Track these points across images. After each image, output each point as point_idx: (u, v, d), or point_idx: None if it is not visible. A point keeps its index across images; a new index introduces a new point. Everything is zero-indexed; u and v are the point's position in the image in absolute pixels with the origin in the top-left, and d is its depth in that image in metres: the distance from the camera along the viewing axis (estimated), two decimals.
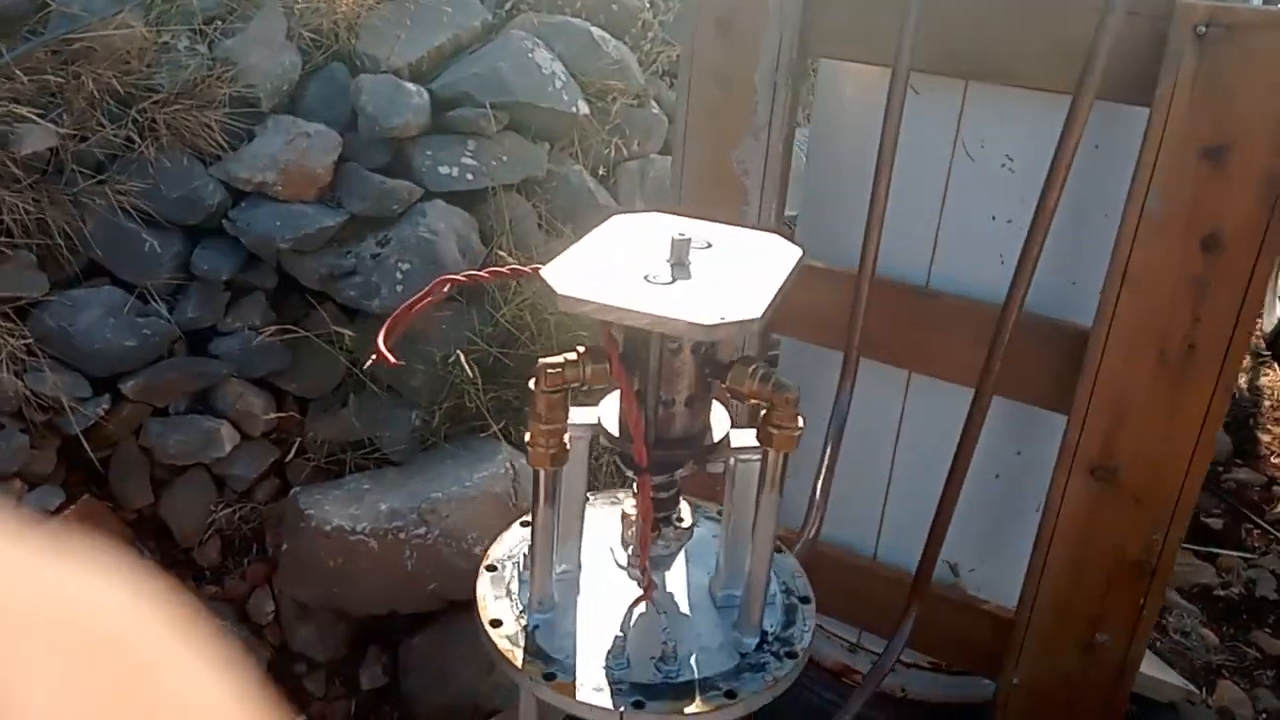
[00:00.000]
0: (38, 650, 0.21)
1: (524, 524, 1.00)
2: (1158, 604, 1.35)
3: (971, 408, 1.28)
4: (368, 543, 2.38)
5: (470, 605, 2.44)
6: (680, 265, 0.76)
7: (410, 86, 2.69)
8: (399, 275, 2.56)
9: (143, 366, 2.45)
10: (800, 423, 0.79)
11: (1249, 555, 3.42)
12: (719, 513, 0.98)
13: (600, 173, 2.97)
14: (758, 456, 0.84)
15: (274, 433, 2.64)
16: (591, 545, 0.93)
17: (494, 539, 0.97)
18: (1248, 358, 4.73)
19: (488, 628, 0.86)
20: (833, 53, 1.43)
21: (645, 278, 0.74)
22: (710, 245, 0.81)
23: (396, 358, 0.82)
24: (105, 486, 2.46)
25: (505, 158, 2.75)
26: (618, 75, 3.03)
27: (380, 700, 2.47)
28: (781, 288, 0.75)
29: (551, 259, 2.26)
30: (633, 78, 3.10)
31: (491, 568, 0.93)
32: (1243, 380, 4.59)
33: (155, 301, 2.48)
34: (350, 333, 2.50)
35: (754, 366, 0.79)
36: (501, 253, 2.54)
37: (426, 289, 0.84)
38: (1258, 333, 4.85)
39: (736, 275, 0.76)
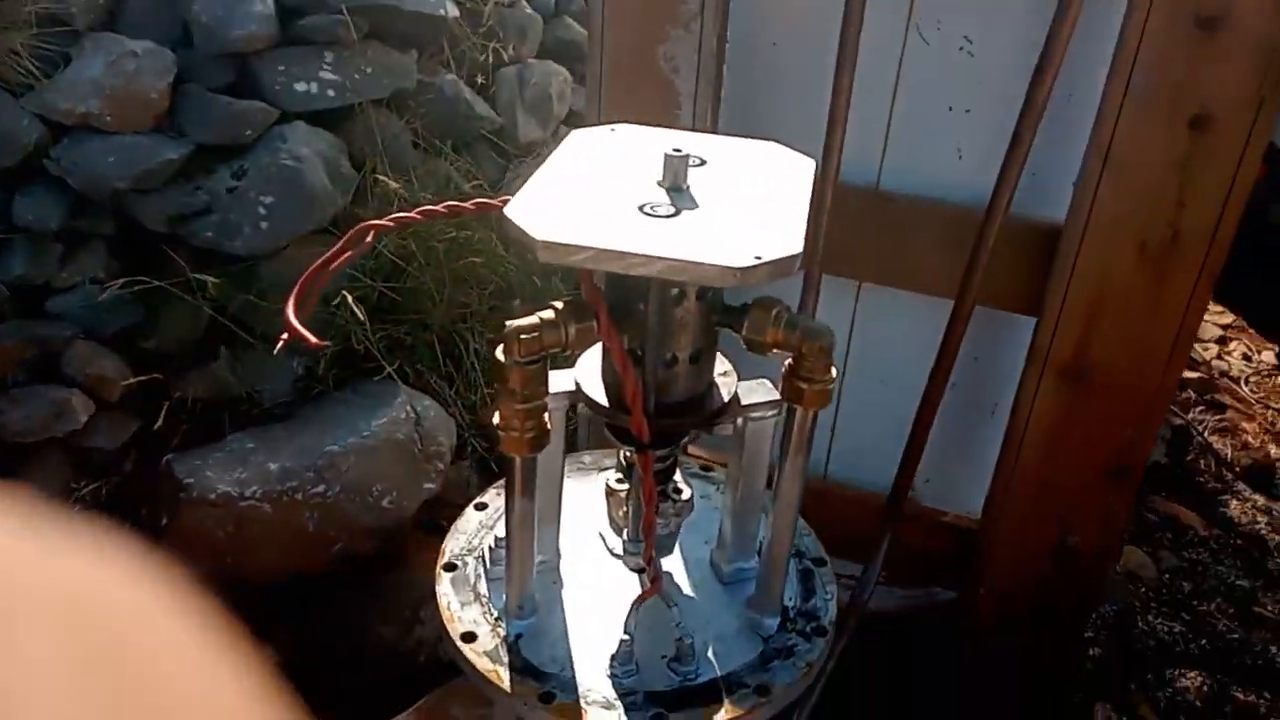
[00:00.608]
0: (36, 638, 0.20)
1: (478, 507, 0.83)
2: (1131, 503, 1.30)
3: (951, 320, 1.18)
4: (260, 507, 2.16)
5: (383, 563, 2.23)
6: (679, 190, 0.60)
7: None
8: (262, 210, 2.28)
9: None
10: (834, 373, 0.65)
11: None
12: (702, 468, 0.84)
13: (477, 81, 2.71)
14: (773, 413, 0.70)
15: (135, 397, 2.36)
16: (572, 528, 0.78)
17: (448, 532, 0.81)
18: None
19: (460, 644, 0.71)
20: None
21: (642, 209, 0.58)
22: (704, 162, 0.65)
23: (318, 337, 0.64)
24: None
25: (369, 69, 2.46)
26: None
27: (294, 671, 2.29)
28: (810, 211, 0.60)
29: (434, 179, 1.98)
30: None
31: (451, 566, 0.77)
32: None
33: None
34: (212, 278, 2.22)
35: (776, 309, 0.64)
36: (380, 176, 2.29)
37: (344, 241, 0.65)
38: None
39: (750, 199, 0.61)
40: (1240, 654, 2.73)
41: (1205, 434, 3.51)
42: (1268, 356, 4.02)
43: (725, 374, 0.70)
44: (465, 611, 0.73)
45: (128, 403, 2.33)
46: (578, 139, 0.68)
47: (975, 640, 1.47)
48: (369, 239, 0.66)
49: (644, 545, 0.67)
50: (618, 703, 0.67)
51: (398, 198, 2.42)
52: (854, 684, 1.81)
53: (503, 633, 0.72)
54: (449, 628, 0.72)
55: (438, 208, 0.67)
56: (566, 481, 0.84)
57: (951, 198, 1.25)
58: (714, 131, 1.29)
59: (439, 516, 2.50)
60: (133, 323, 2.29)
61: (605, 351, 0.65)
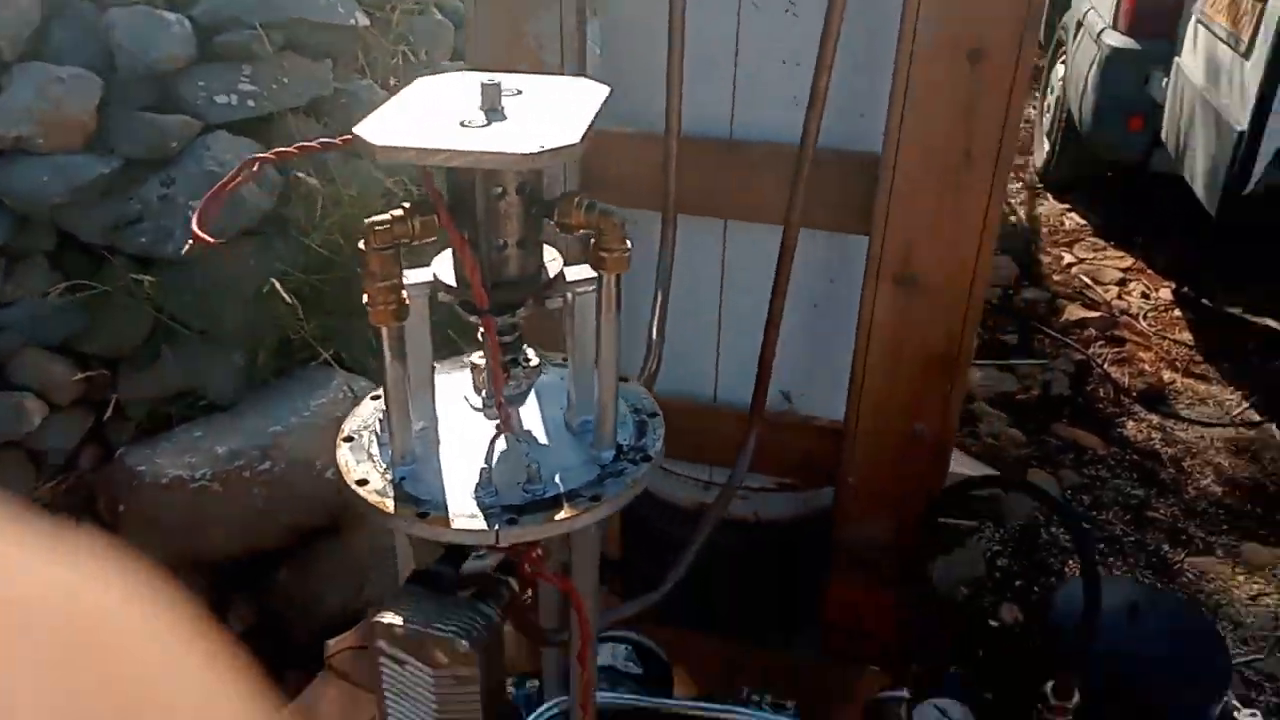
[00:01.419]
0: (16, 641, 0.21)
1: (374, 398, 1.01)
2: (962, 391, 1.51)
3: (782, 243, 1.37)
4: (211, 487, 2.31)
5: (331, 533, 2.38)
6: (494, 110, 0.78)
7: (168, 15, 2.51)
8: (190, 215, 2.43)
9: None
10: (629, 245, 0.84)
11: (1043, 361, 3.81)
12: (565, 360, 1.03)
13: (392, 84, 2.88)
14: (593, 287, 0.88)
15: (85, 398, 2.49)
16: (446, 403, 0.97)
17: (347, 415, 0.99)
18: (1024, 191, 5.17)
19: (355, 488, 0.89)
20: None
21: (461, 123, 0.76)
22: (521, 92, 0.84)
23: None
24: None
25: (286, 79, 2.62)
26: None
27: (253, 641, 2.44)
28: (595, 117, 0.79)
29: (356, 178, 2.19)
30: None
31: (349, 439, 0.95)
32: (1022, 211, 5.02)
33: None
34: (149, 279, 2.37)
35: (578, 198, 0.83)
36: (302, 177, 2.45)
37: (235, 170, 0.83)
38: (1033, 168, 5.29)
39: (550, 113, 0.79)
40: (1135, 552, 2.98)
41: (1104, 365, 3.78)
42: (1165, 293, 4.31)
43: (553, 260, 0.89)
44: (360, 466, 0.91)
45: (79, 404, 2.47)
46: (424, 81, 0.87)
47: (848, 529, 1.67)
48: (255, 169, 0.83)
49: (494, 392, 0.86)
50: (479, 513, 0.85)
51: (320, 196, 2.59)
52: (748, 589, 2.01)
53: (390, 477, 0.90)
54: (346, 478, 0.90)
55: (312, 143, 0.85)
56: (450, 376, 1.03)
57: (791, 139, 1.44)
58: None
59: None
60: (78, 329, 2.43)
61: (451, 247, 0.84)
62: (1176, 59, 3.60)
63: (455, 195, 0.82)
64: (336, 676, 1.66)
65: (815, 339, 1.68)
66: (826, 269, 1.62)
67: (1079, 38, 4.30)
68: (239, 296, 2.49)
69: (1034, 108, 5.63)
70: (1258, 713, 1.44)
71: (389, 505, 0.85)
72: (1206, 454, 3.36)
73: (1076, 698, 1.14)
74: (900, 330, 1.49)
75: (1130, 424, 3.50)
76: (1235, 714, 1.42)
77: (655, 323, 1.34)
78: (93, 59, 2.50)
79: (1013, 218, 4.86)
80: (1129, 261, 4.46)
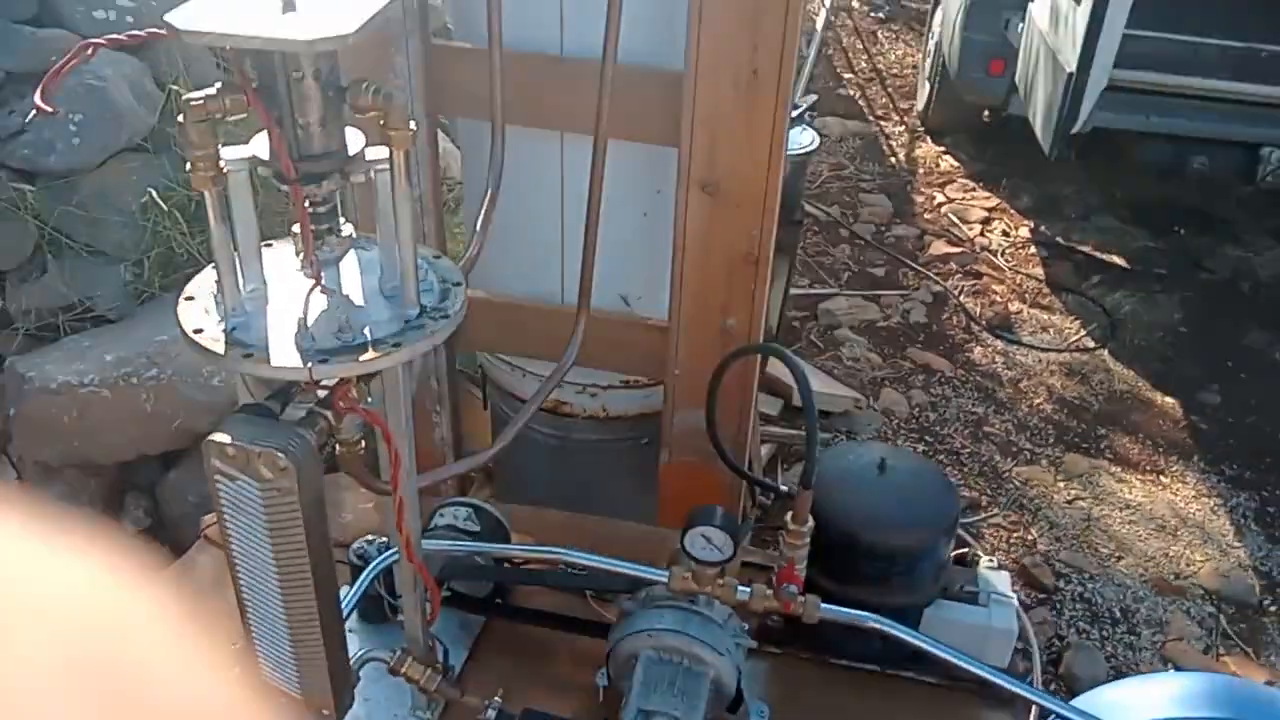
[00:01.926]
0: (34, 642, 0.21)
1: (213, 267, 1.18)
2: (764, 288, 1.73)
3: (593, 152, 1.56)
4: (100, 393, 2.42)
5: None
6: (289, 5, 0.95)
7: None
8: (73, 128, 2.51)
9: None
10: (412, 125, 1.02)
11: (905, 292, 4.10)
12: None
13: None
14: (386, 166, 1.06)
15: None
16: (278, 271, 1.14)
17: (188, 280, 1.15)
18: (906, 134, 5.45)
19: (191, 335, 1.06)
20: None
21: (258, 13, 0.92)
22: None
23: (53, 110, 0.96)
24: None
25: None
26: None
27: (148, 539, 2.58)
28: (376, 13, 0.96)
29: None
30: None
31: (190, 298, 1.12)
32: (902, 154, 5.29)
33: None
34: (31, 189, 2.45)
35: (366, 84, 1.00)
36: (177, 87, 2.54)
37: (72, 52, 0.97)
38: (915, 112, 5.56)
39: (338, 7, 0.96)
40: (971, 462, 3.29)
41: (960, 296, 4.08)
42: (1024, 232, 4.63)
43: (355, 138, 1.06)
44: (196, 319, 1.08)
45: None
46: None
47: (675, 415, 1.89)
48: (90, 53, 0.98)
49: (304, 251, 1.03)
50: (297, 354, 1.03)
51: None
52: (600, 475, 2.24)
53: (222, 326, 1.07)
54: (184, 327, 1.07)
55: (140, 33, 1.00)
56: (284, 250, 1.19)
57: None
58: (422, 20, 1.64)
59: None
60: None
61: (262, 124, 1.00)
62: (1030, 5, 3.86)
63: (262, 79, 0.99)
64: (210, 544, 1.83)
65: (648, 246, 1.87)
66: (655, 181, 1.81)
67: None
68: (124, 211, 2.59)
69: (920, 52, 5.89)
70: (994, 560, 1.71)
71: (219, 348, 1.03)
72: (1042, 376, 3.69)
73: (810, 523, 1.38)
74: (708, 233, 1.69)
75: (977, 349, 3.81)
76: (977, 561, 1.69)
77: (481, 217, 1.52)
78: None
79: (892, 159, 5.13)
80: (994, 202, 4.77)
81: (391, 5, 0.99)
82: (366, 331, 1.08)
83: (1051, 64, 3.46)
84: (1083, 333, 3.94)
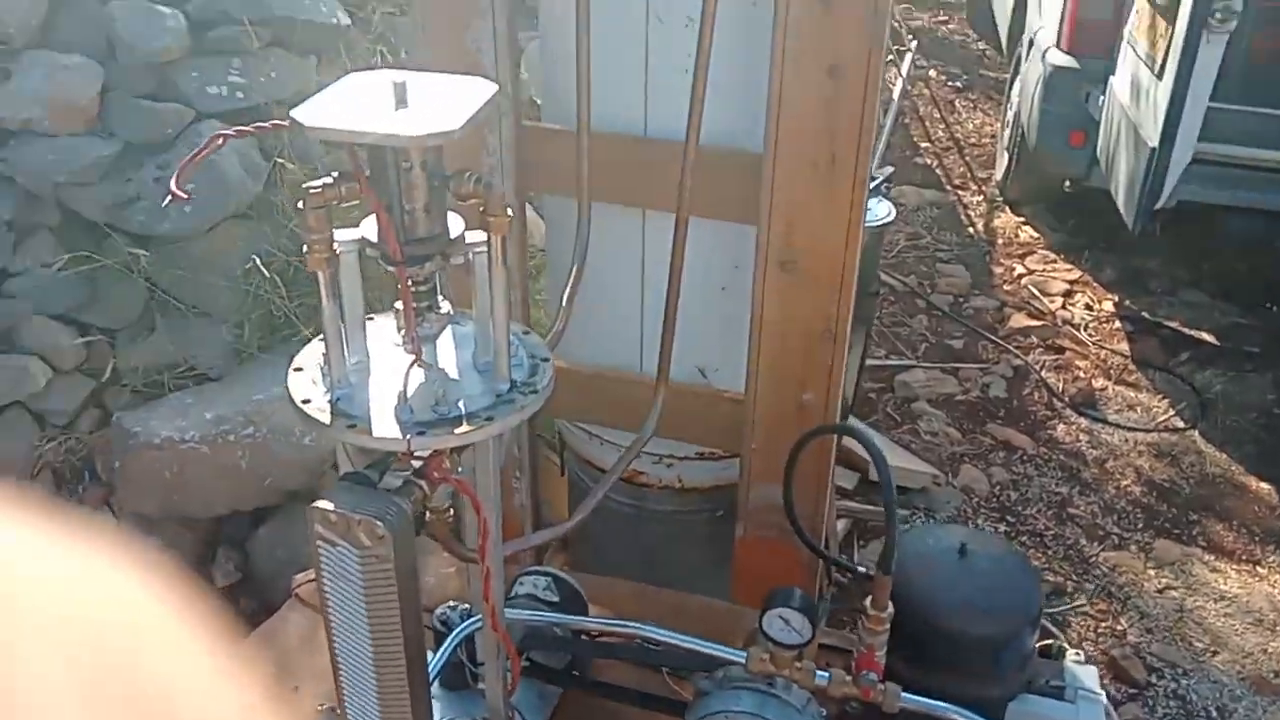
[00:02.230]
0: (41, 645, 0.21)
1: (321, 339, 1.25)
2: (842, 365, 1.74)
3: (674, 230, 1.61)
4: (199, 449, 2.54)
5: (309, 495, 2.62)
6: (401, 101, 1.02)
7: (164, 9, 2.76)
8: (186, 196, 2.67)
9: None
10: (510, 212, 1.08)
11: (984, 365, 4.05)
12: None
13: None
14: (485, 248, 1.12)
15: (86, 364, 2.73)
16: (380, 345, 1.20)
17: (297, 353, 1.22)
18: (984, 204, 5.43)
19: (299, 405, 1.12)
20: None
21: (374, 111, 1.00)
22: (427, 88, 1.07)
23: (186, 194, 1.04)
24: None
25: (273, 74, 2.87)
26: None
27: (236, 593, 2.67)
28: (478, 110, 1.03)
29: (335, 166, 2.45)
30: None
31: (298, 369, 1.19)
32: (980, 224, 5.27)
33: None
34: (145, 254, 2.61)
35: (469, 174, 1.07)
36: (282, 160, 2.69)
37: (204, 143, 1.06)
38: (994, 182, 5.55)
39: (444, 104, 1.03)
40: (1055, 545, 3.21)
41: (1042, 371, 4.01)
42: (1108, 305, 4.55)
43: (456, 223, 1.13)
44: (304, 390, 1.15)
45: (80, 370, 2.71)
46: (354, 76, 1.11)
47: (751, 489, 1.90)
48: (221, 143, 1.07)
49: (407, 328, 1.10)
50: (396, 425, 1.09)
51: (304, 184, 2.82)
52: (675, 545, 2.25)
53: (328, 398, 1.13)
54: (293, 397, 1.14)
55: (266, 125, 1.08)
56: (383, 323, 1.26)
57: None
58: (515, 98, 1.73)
59: None
60: (80, 300, 2.67)
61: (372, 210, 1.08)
62: (1111, 78, 3.85)
63: (375, 168, 1.06)
64: (301, 604, 1.89)
65: (725, 320, 1.91)
66: (733, 256, 1.86)
67: (1030, 56, 4.55)
68: (228, 275, 2.73)
69: (998, 122, 5.89)
70: (1081, 652, 1.67)
71: (325, 418, 1.09)
72: (1129, 457, 3.60)
73: (890, 609, 1.37)
74: (786, 309, 1.72)
75: (1060, 426, 3.73)
76: (1063, 653, 1.66)
77: (567, 292, 1.58)
78: (95, 48, 2.75)
79: (970, 229, 5.11)
80: (1076, 274, 4.70)
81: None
82: (461, 405, 1.13)
83: (1134, 138, 3.43)
84: (1171, 412, 3.84)
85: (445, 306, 1.18)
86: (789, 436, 1.83)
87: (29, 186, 2.60)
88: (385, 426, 1.09)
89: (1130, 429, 3.74)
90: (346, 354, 1.15)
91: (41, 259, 2.62)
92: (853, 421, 2.90)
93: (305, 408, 1.12)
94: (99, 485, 2.70)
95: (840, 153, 1.56)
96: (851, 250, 1.64)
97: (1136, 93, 3.42)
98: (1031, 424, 3.74)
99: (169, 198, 1.07)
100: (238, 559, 2.71)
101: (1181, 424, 3.77)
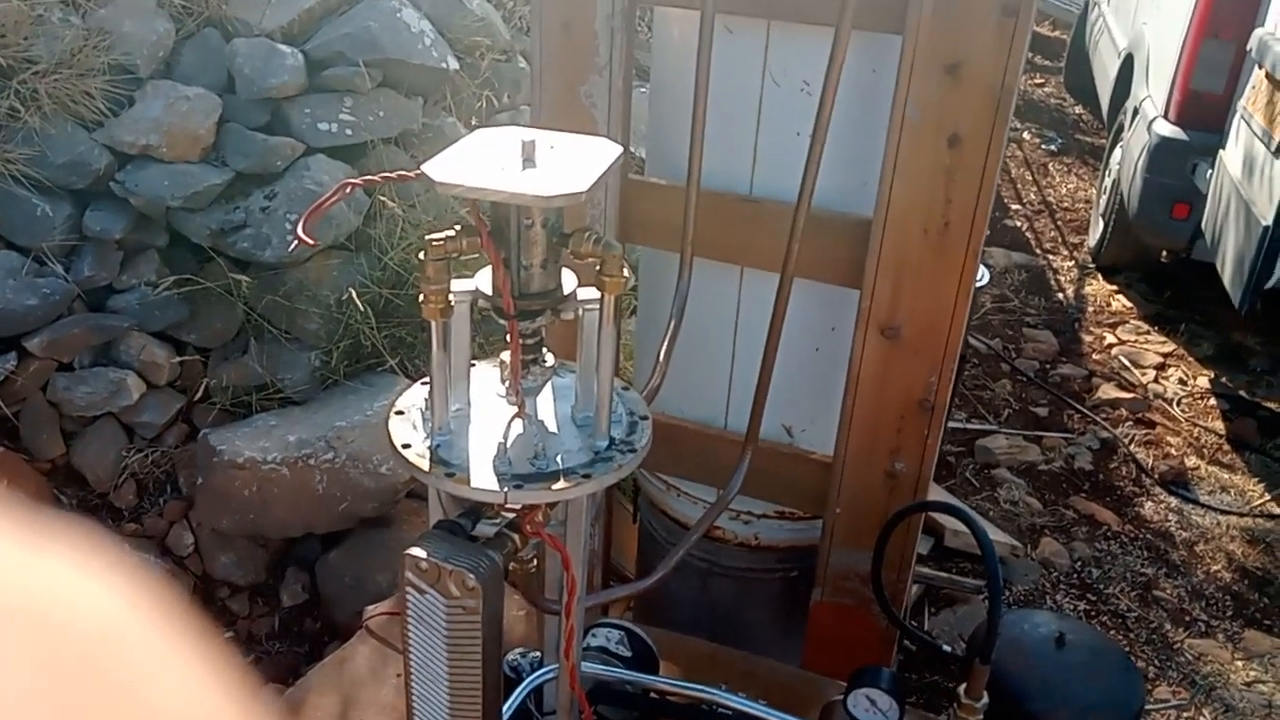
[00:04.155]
0: (9, 645, 0.21)
1: (423, 383, 1.25)
2: (938, 434, 1.70)
3: (778, 290, 1.59)
4: (279, 470, 2.58)
5: (381, 522, 2.64)
6: (529, 160, 1.03)
7: (284, 48, 2.85)
8: (288, 226, 2.75)
9: (45, 324, 2.58)
10: (626, 273, 1.07)
11: (1070, 435, 3.93)
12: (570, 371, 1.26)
13: (474, 123, 3.18)
14: (598, 305, 1.12)
15: (179, 381, 2.81)
16: (480, 393, 1.20)
17: (398, 395, 1.23)
18: (1076, 270, 5.29)
19: (399, 449, 1.12)
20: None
21: (502, 168, 1.00)
22: (554, 147, 1.08)
23: (313, 239, 1.06)
24: (18, 440, 2.59)
25: (381, 113, 2.94)
26: (483, 31, 3.24)
27: (302, 614, 2.69)
28: (605, 172, 1.03)
29: (434, 204, 2.52)
30: (498, 33, 3.31)
31: (400, 412, 1.19)
32: (1070, 290, 5.14)
33: (51, 263, 2.61)
34: (246, 280, 2.68)
35: (589, 233, 1.06)
36: (386, 199, 2.75)
37: (332, 190, 1.08)
38: (1086, 248, 5.41)
39: (571, 165, 1.03)
40: (1138, 628, 3.07)
41: (1130, 446, 3.88)
42: (1202, 382, 4.38)
43: (569, 280, 1.12)
44: (405, 434, 1.15)
45: (173, 385, 2.78)
46: (480, 133, 1.12)
47: (832, 554, 1.86)
48: (349, 191, 1.09)
49: (513, 382, 1.09)
50: (494, 476, 1.08)
51: (402, 220, 2.89)
52: (747, 604, 2.20)
53: (428, 444, 1.13)
54: (393, 441, 1.14)
55: (392, 174, 1.10)
56: (484, 372, 1.26)
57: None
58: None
59: (426, 488, 2.92)
60: (179, 319, 2.75)
61: (490, 263, 1.08)
62: (1221, 151, 3.74)
63: (495, 223, 1.07)
64: (371, 637, 1.89)
65: (816, 380, 1.88)
66: (829, 318, 1.83)
67: (1135, 124, 4.45)
68: (321, 303, 2.79)
69: (1094, 188, 5.76)
70: None
71: (425, 464, 1.09)
72: (1220, 540, 3.43)
73: (985, 699, 1.31)
74: (884, 376, 1.69)
75: (1148, 504, 3.59)
76: None
77: (664, 347, 1.57)
78: (215, 81, 2.85)
79: (1059, 295, 4.99)
80: (1170, 347, 4.55)
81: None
82: (559, 459, 1.12)
83: (1245, 214, 3.32)
84: (1267, 497, 3.66)
85: (549, 359, 1.17)
86: (876, 504, 1.78)
87: (142, 209, 2.69)
88: (483, 477, 1.08)
89: (1223, 511, 3.58)
90: (450, 401, 1.15)
91: (147, 278, 2.71)
92: (952, 499, 2.83)
93: (405, 452, 1.13)
94: (179, 499, 2.76)
95: (954, 220, 1.53)
96: (959, 320, 1.60)
97: (1250, 168, 3.31)
98: (1118, 499, 3.61)
99: (294, 242, 1.09)
100: (306, 580, 2.74)
101: (1277, 510, 3.60)
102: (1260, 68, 3.44)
